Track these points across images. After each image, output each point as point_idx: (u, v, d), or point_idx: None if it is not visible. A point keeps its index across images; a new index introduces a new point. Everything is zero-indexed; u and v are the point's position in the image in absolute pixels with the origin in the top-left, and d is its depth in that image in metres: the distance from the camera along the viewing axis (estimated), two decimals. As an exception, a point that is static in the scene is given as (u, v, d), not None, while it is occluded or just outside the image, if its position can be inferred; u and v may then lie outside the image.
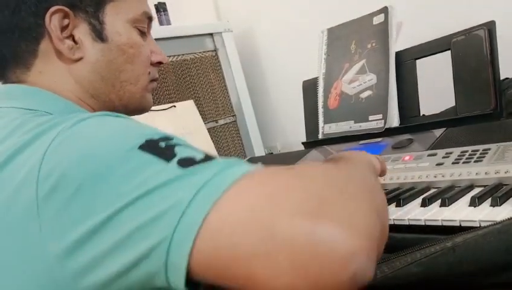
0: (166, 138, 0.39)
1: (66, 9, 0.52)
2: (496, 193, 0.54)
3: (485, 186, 0.59)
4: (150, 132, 0.40)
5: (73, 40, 0.54)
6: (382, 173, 0.63)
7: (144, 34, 0.60)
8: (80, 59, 0.54)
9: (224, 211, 0.33)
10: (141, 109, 0.63)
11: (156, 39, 1.35)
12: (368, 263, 0.31)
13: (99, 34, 0.55)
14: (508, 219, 0.44)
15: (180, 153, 0.37)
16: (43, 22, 0.52)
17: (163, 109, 1.41)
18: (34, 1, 0.52)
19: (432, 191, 0.64)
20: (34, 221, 0.37)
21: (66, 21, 0.53)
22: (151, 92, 0.63)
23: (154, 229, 0.33)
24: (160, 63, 0.64)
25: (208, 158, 0.37)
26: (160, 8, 1.58)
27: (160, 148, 0.38)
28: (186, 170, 0.35)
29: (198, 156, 0.37)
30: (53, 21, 0.52)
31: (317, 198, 0.33)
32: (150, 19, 0.62)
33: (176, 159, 0.36)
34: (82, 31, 0.54)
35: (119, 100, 0.59)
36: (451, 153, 0.71)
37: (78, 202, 0.36)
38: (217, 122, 1.59)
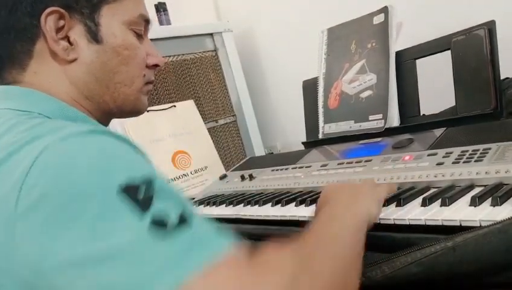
0: (148, 182, 0.39)
1: (62, 10, 0.53)
2: (497, 192, 0.53)
3: (485, 186, 0.59)
4: (134, 171, 0.39)
5: (69, 41, 0.54)
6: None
7: (140, 36, 0.60)
8: (75, 60, 0.55)
9: None
10: (136, 111, 0.63)
11: (156, 39, 1.36)
12: None
13: (94, 36, 0.55)
14: (509, 218, 0.44)
15: (156, 207, 0.37)
16: (39, 22, 0.52)
17: (164, 109, 1.41)
18: (30, 2, 0.52)
19: (432, 190, 0.64)
20: (8, 233, 0.37)
21: (61, 22, 0.53)
22: (147, 94, 0.63)
23: None
24: (156, 65, 0.64)
25: (180, 224, 0.37)
26: (160, 8, 1.58)
27: (138, 196, 0.37)
28: (156, 237, 0.35)
29: (172, 218, 0.37)
30: (48, 22, 0.52)
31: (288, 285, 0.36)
32: (147, 21, 0.62)
33: (149, 217, 0.36)
34: (77, 32, 0.54)
35: (113, 102, 0.59)
36: (451, 152, 0.71)
37: (49, 230, 0.35)
38: (217, 122, 1.59)
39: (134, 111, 0.62)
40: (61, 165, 0.38)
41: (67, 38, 0.54)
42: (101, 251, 0.34)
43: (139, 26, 0.60)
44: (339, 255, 0.44)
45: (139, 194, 0.37)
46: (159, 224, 0.36)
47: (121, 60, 0.57)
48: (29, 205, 0.36)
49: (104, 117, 0.61)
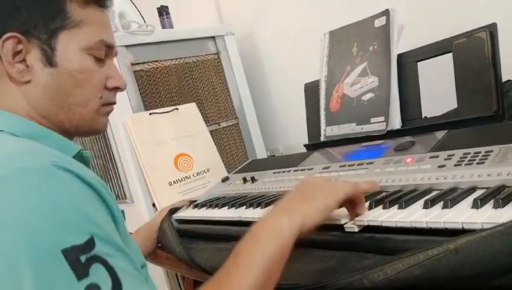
0: (90, 243, 0.42)
1: (19, 36, 0.56)
2: (499, 195, 0.53)
3: (487, 188, 0.59)
4: (79, 229, 0.42)
5: (26, 64, 0.58)
6: (370, 189, 0.66)
7: (100, 60, 0.63)
8: (29, 82, 0.58)
9: None
10: (94, 131, 0.67)
11: (158, 42, 1.36)
12: None
13: (49, 60, 0.58)
14: (511, 221, 0.44)
15: (92, 275, 0.40)
16: None
17: (166, 112, 1.41)
18: None
19: (434, 193, 0.64)
20: None
21: (19, 46, 0.57)
22: (106, 115, 0.66)
23: None
24: (117, 88, 0.66)
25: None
26: (163, 12, 1.59)
27: (77, 262, 0.40)
28: None
29: (105, 287, 0.40)
30: (6, 46, 0.56)
31: None
32: (110, 46, 0.64)
33: (84, 284, 0.39)
34: (34, 56, 0.58)
35: (69, 122, 0.62)
36: (453, 155, 0.71)
37: None
38: (219, 125, 1.59)
39: (91, 131, 0.66)
40: (10, 210, 0.40)
41: (24, 61, 0.58)
42: None
43: (99, 51, 0.62)
44: (252, 281, 0.48)
45: (81, 257, 0.41)
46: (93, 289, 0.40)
47: (75, 83, 0.60)
48: None
49: (63, 135, 0.63)
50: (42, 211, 0.41)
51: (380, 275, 0.47)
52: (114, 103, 0.67)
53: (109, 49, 0.64)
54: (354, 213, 0.62)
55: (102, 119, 0.66)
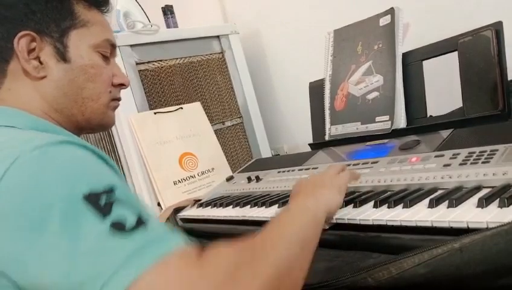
0: (109, 190, 0.44)
1: (34, 34, 0.60)
2: (504, 194, 0.53)
3: (492, 187, 0.59)
4: (96, 181, 0.44)
5: (40, 61, 0.61)
6: (355, 177, 0.73)
7: (106, 58, 0.67)
8: (44, 77, 0.61)
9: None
10: (103, 125, 0.70)
11: (163, 42, 1.37)
12: None
13: (62, 56, 0.62)
14: (516, 220, 0.44)
15: (115, 213, 0.42)
16: (12, 45, 0.59)
17: (171, 111, 1.42)
18: (6, 28, 0.59)
19: (439, 192, 0.64)
20: None
21: (33, 44, 0.60)
22: (113, 110, 0.70)
23: None
24: (122, 84, 0.70)
25: (137, 225, 0.42)
26: (168, 11, 1.59)
27: (99, 203, 0.42)
28: (114, 238, 0.40)
29: (130, 222, 0.41)
30: (21, 44, 0.59)
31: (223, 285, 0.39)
32: (113, 46, 0.69)
33: (109, 220, 0.41)
34: (47, 53, 0.61)
35: (81, 115, 0.65)
36: (458, 154, 0.71)
37: (19, 237, 0.40)
38: (223, 124, 1.60)
39: (101, 124, 0.69)
40: (30, 178, 0.43)
41: (38, 58, 0.61)
42: (67, 250, 0.39)
43: (105, 49, 0.67)
44: (285, 252, 0.47)
45: (100, 201, 0.42)
46: (119, 226, 0.41)
47: (88, 77, 0.64)
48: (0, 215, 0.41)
49: (75, 130, 0.66)
50: (61, 171, 0.44)
51: (384, 273, 0.48)
52: (120, 99, 0.71)
53: (113, 48, 0.69)
54: None
55: (111, 113, 0.69)
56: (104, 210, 0.41)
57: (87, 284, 0.38)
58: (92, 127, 0.68)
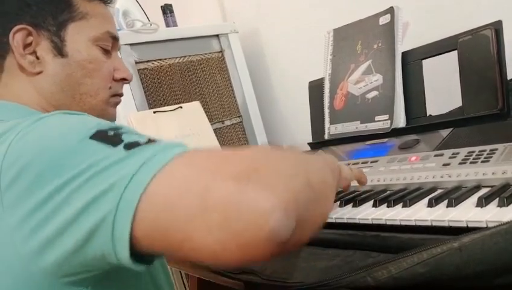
0: (115, 128, 0.44)
1: (30, 28, 0.58)
2: (503, 193, 0.53)
3: (492, 186, 0.59)
4: (101, 124, 0.44)
5: (36, 56, 0.59)
6: (360, 181, 0.70)
7: (107, 51, 0.65)
8: (41, 72, 0.59)
9: (163, 182, 0.37)
10: None
11: (162, 41, 1.37)
12: (284, 220, 0.35)
13: (59, 50, 0.60)
14: (516, 219, 0.44)
15: (126, 138, 0.41)
16: (8, 39, 0.57)
17: (170, 110, 1.41)
18: (0, 22, 0.58)
19: (439, 191, 0.64)
20: None
21: (29, 38, 0.58)
22: (115, 106, 0.68)
23: (101, 204, 0.37)
24: (124, 79, 0.68)
25: (150, 141, 0.42)
26: (167, 10, 1.59)
27: (108, 136, 0.42)
28: (131, 152, 0.40)
29: (142, 140, 0.41)
30: (16, 38, 0.57)
31: (247, 168, 0.37)
32: (115, 38, 0.66)
33: (122, 144, 0.41)
34: (44, 48, 0.59)
35: (80, 111, 0.63)
36: (458, 153, 0.71)
37: (37, 188, 0.40)
38: (223, 123, 1.60)
39: None
40: (36, 138, 0.43)
41: (34, 53, 0.59)
42: (88, 171, 0.39)
43: (106, 42, 0.64)
44: (307, 166, 0.43)
45: (108, 134, 0.42)
46: (132, 144, 0.41)
47: (86, 72, 0.62)
48: (11, 178, 0.41)
49: None
50: (65, 123, 0.45)
51: (384, 273, 0.48)
52: (122, 95, 0.69)
53: (114, 41, 0.66)
54: None
55: (111, 110, 0.67)
56: (114, 140, 0.41)
57: (112, 189, 0.37)
58: None
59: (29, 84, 0.60)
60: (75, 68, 0.61)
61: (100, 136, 0.42)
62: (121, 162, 0.39)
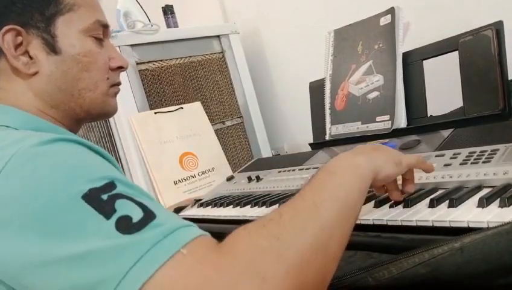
0: (110, 185, 0.41)
1: (18, 27, 0.55)
2: (505, 193, 0.53)
3: (493, 187, 0.59)
4: (96, 176, 0.41)
5: (29, 56, 0.57)
6: (427, 169, 0.62)
7: (100, 40, 0.62)
8: (36, 73, 0.57)
9: (159, 287, 0.35)
10: (105, 114, 0.66)
11: (163, 42, 1.36)
12: None
13: (52, 47, 0.58)
14: (517, 219, 0.44)
15: (120, 209, 0.39)
16: None
17: (171, 111, 1.41)
18: None
19: (440, 192, 0.64)
20: None
21: (19, 39, 0.56)
22: (114, 96, 0.66)
23: None
24: (120, 67, 0.65)
25: (145, 219, 0.39)
26: (168, 11, 1.59)
27: (101, 201, 0.39)
28: (122, 238, 0.37)
29: (137, 217, 0.38)
30: (6, 40, 0.55)
31: (250, 262, 0.37)
32: (105, 26, 0.63)
33: (114, 219, 0.38)
34: (36, 46, 0.57)
35: (80, 108, 0.61)
36: (459, 153, 0.71)
37: (22, 237, 0.38)
38: (224, 124, 1.60)
39: (102, 114, 0.65)
40: (25, 179, 0.40)
41: (27, 53, 0.57)
42: (73, 251, 0.37)
43: (97, 32, 0.62)
44: (319, 227, 0.42)
45: (102, 198, 0.39)
46: (125, 223, 0.38)
47: (82, 67, 0.60)
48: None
49: (73, 123, 0.63)
50: (57, 169, 0.41)
51: (385, 273, 0.47)
52: (120, 84, 0.67)
53: (105, 28, 0.64)
54: (396, 194, 0.61)
55: (112, 101, 0.65)
56: (107, 208, 0.39)
57: (97, 288, 0.35)
58: (93, 117, 0.64)
59: (26, 87, 0.58)
60: (71, 64, 0.59)
61: (93, 198, 0.39)
62: (110, 251, 0.36)
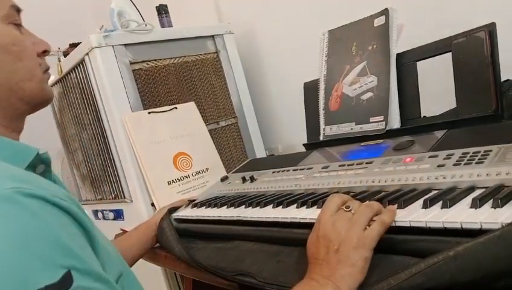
0: (68, 282, 0.38)
1: None
2: (498, 194, 0.53)
3: (486, 187, 0.59)
4: (51, 267, 0.38)
5: None
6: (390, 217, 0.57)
7: (19, 26, 0.59)
8: None
9: None
10: (44, 102, 0.63)
11: (157, 41, 1.36)
12: None
13: None
14: (507, 224, 0.44)
15: None
16: None
17: (165, 111, 1.41)
18: None
19: (433, 192, 0.64)
20: None
21: None
22: (47, 82, 0.63)
23: None
24: (45, 51, 0.62)
25: None
26: (162, 11, 1.59)
27: None
28: None
29: None
30: None
31: None
32: (19, 10, 0.60)
33: None
34: None
35: (20, 101, 0.58)
36: (452, 154, 0.71)
37: None
38: (218, 124, 1.59)
39: (42, 102, 0.62)
40: None
41: None
42: None
43: (15, 18, 0.58)
44: None
45: None
46: None
47: (14, 57, 0.56)
48: None
49: (15, 122, 0.60)
50: (9, 249, 0.37)
51: (383, 285, 0.48)
52: (49, 68, 0.64)
53: (19, 13, 0.60)
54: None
55: (47, 86, 0.62)
56: None
57: None
58: (33, 107, 0.61)
59: None
60: (1, 56, 0.55)
61: None
62: None
